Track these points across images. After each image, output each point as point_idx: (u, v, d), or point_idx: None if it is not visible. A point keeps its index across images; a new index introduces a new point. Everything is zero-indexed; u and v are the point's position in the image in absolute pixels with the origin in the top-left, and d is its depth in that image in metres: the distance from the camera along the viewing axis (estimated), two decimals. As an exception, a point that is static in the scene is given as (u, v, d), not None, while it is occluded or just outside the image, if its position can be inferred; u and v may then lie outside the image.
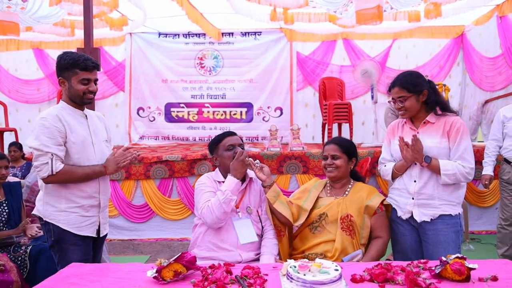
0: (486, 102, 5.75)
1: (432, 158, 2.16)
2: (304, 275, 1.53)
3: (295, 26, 6.41)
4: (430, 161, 2.16)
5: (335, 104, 5.74)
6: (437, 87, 2.34)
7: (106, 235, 2.43)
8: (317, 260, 1.67)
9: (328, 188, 2.44)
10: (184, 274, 1.68)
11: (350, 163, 2.41)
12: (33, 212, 2.27)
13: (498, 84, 5.40)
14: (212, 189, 2.36)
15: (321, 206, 2.34)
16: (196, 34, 6.82)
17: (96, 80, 2.27)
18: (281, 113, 6.70)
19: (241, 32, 6.80)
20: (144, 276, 1.68)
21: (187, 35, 6.84)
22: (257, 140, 6.60)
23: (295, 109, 6.69)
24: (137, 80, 6.86)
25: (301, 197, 2.43)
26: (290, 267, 1.59)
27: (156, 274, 1.66)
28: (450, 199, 2.20)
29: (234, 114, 6.77)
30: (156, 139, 6.83)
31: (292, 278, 1.55)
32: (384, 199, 2.37)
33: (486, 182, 3.50)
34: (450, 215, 2.19)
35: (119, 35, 6.73)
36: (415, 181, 2.24)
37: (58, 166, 2.10)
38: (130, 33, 6.80)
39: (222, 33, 6.78)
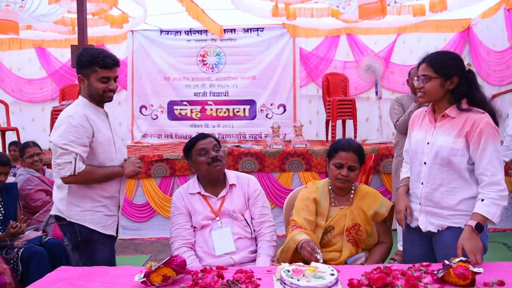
0: (494, 96, 5.61)
1: (477, 222, 1.75)
2: (298, 280, 1.46)
3: (298, 22, 6.32)
4: (481, 230, 1.77)
5: (338, 101, 5.65)
6: (474, 77, 1.91)
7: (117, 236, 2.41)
8: (313, 264, 1.59)
9: (332, 195, 2.19)
10: (173, 279, 1.61)
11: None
12: (52, 213, 2.24)
13: (506, 78, 5.26)
14: (182, 212, 2.28)
15: (328, 219, 2.13)
16: (198, 31, 6.75)
17: (116, 77, 2.20)
18: (284, 110, 6.61)
19: (243, 29, 6.72)
20: (132, 281, 1.61)
21: (189, 32, 6.77)
22: (260, 137, 6.52)
23: (298, 106, 6.59)
24: (139, 78, 6.81)
25: (309, 207, 2.14)
26: (284, 272, 1.52)
27: (144, 279, 1.59)
28: (463, 209, 1.86)
29: (237, 111, 6.70)
30: (159, 137, 6.79)
31: (285, 284, 1.47)
32: (393, 205, 2.19)
33: None
34: (460, 227, 1.83)
35: (120, 33, 6.67)
36: (422, 184, 1.95)
37: (81, 166, 2.07)
38: (132, 31, 6.75)
39: (224, 30, 6.70)
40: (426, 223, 1.96)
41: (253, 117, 6.65)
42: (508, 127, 3.53)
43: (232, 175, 2.39)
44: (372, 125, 6.21)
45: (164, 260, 1.62)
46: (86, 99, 2.20)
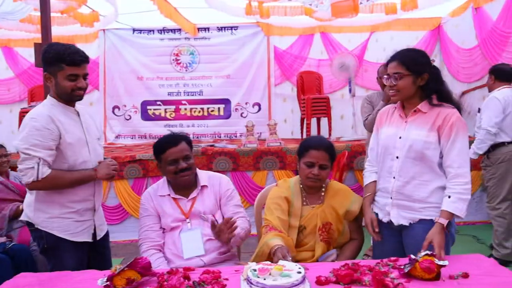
0: (464, 93, 5.74)
1: (440, 218, 1.81)
2: (264, 279, 1.44)
3: (272, 20, 6.30)
4: (450, 226, 1.85)
5: (313, 99, 5.67)
6: (441, 74, 1.97)
7: (107, 236, 2.34)
8: (280, 262, 1.57)
9: (304, 194, 2.17)
10: (138, 282, 1.57)
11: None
12: (21, 218, 2.14)
13: (474, 75, 5.37)
14: (150, 213, 2.23)
15: (300, 218, 2.10)
16: (171, 30, 6.65)
17: (85, 75, 2.06)
18: (259, 109, 6.59)
19: (217, 27, 6.65)
20: (95, 285, 1.56)
21: (162, 31, 6.67)
22: (236, 136, 6.47)
23: (273, 105, 6.58)
24: (112, 78, 6.66)
25: (282, 206, 2.10)
26: (250, 271, 1.49)
27: (108, 283, 1.54)
28: (434, 201, 1.89)
29: (212, 110, 6.64)
30: (132, 138, 6.66)
31: (251, 283, 1.45)
32: None
33: None
34: (432, 220, 1.86)
35: (91, 31, 6.51)
36: (394, 178, 1.97)
37: (45, 171, 1.95)
38: (103, 30, 6.59)
39: (198, 28, 6.62)
40: (397, 217, 1.97)
41: (228, 116, 6.60)
42: (482, 121, 3.58)
43: (203, 176, 2.34)
44: (346, 123, 6.26)
45: (128, 263, 1.58)
46: (55, 98, 2.08)
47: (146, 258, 1.62)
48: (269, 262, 1.57)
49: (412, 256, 1.58)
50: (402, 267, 1.59)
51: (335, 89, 6.46)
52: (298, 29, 6.60)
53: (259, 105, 6.59)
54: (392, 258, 1.73)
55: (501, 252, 3.58)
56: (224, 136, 6.55)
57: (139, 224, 2.29)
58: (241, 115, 6.58)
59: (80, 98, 2.10)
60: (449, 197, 1.82)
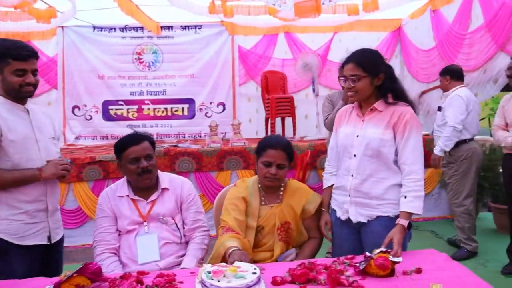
0: (423, 93, 5.91)
1: (401, 219, 1.83)
2: (218, 281, 1.40)
3: (236, 20, 6.26)
4: (411, 226, 1.90)
5: (277, 98, 5.69)
6: (394, 73, 2.01)
7: (62, 241, 2.23)
8: (236, 263, 1.55)
9: (262, 194, 2.15)
10: (88, 287, 1.50)
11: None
12: None
13: (432, 75, 5.53)
14: (107, 214, 2.16)
15: (259, 218, 2.08)
16: (133, 28, 6.49)
17: (35, 70, 1.97)
18: (224, 109, 6.55)
19: (181, 26, 6.56)
20: (41, 293, 1.48)
21: (124, 28, 6.51)
22: (200, 136, 6.41)
23: (238, 104, 6.56)
24: (71, 76, 6.44)
25: (239, 206, 2.07)
26: (204, 273, 1.46)
27: (54, 290, 1.47)
28: (390, 198, 1.92)
29: (176, 110, 6.54)
30: (93, 139, 6.47)
31: (205, 286, 1.41)
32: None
33: None
34: (388, 216, 1.91)
35: (49, 28, 6.24)
36: (352, 176, 1.98)
37: None
38: (62, 27, 6.36)
39: (161, 27, 6.50)
40: (356, 214, 1.99)
41: (192, 116, 6.53)
42: (447, 118, 3.66)
43: (165, 178, 2.28)
44: (311, 122, 6.30)
45: (78, 269, 1.51)
46: (2, 96, 1.97)
47: (97, 263, 1.55)
48: (224, 264, 1.54)
49: (367, 254, 1.59)
50: (357, 264, 1.60)
51: (300, 89, 6.50)
52: (263, 29, 6.60)
53: (223, 104, 6.55)
54: (349, 256, 1.74)
55: (472, 245, 3.73)
56: (189, 136, 6.47)
57: (94, 225, 2.21)
58: (206, 115, 6.52)
59: (29, 94, 2.00)
60: (405, 197, 1.85)
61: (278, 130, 5.74)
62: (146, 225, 2.15)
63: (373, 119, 1.96)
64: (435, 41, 5.51)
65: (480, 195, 4.27)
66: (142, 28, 6.41)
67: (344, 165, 2.03)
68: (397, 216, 1.88)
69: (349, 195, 2.00)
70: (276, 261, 2.02)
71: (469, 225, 3.73)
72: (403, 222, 1.82)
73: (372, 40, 6.68)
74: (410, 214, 1.85)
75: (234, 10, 5.90)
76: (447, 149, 3.69)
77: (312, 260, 1.71)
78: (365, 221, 1.97)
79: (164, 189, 2.23)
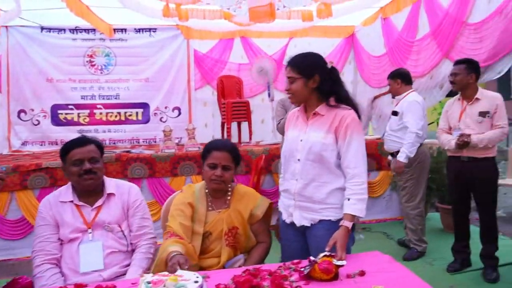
0: (375, 98, 6.08)
1: (344, 221, 1.84)
2: (158, 292, 1.35)
3: (192, 23, 6.19)
4: (354, 228, 1.90)
5: (233, 103, 5.67)
6: (338, 75, 1.99)
7: None
8: (178, 272, 1.50)
9: (209, 199, 2.12)
10: (16, 304, 1.40)
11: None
12: None
13: (383, 81, 5.69)
14: (48, 222, 2.05)
15: (206, 224, 2.05)
16: (84, 30, 6.28)
17: None
18: (179, 113, 6.45)
19: (135, 29, 6.42)
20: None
21: (75, 30, 6.28)
22: (155, 141, 6.27)
23: (193, 109, 6.48)
24: (17, 79, 6.11)
25: (185, 212, 2.03)
26: (144, 284, 1.40)
27: (-22, 309, 1.36)
28: (333, 202, 1.93)
29: (129, 115, 6.37)
30: (42, 144, 6.17)
31: (144, 297, 1.36)
32: (272, 203, 2.21)
33: None
34: (330, 220, 1.92)
35: (-9, 28, 5.94)
36: (296, 180, 1.99)
37: None
38: (6, 26, 6.05)
39: (114, 29, 6.32)
40: (300, 218, 1.99)
41: (146, 120, 6.39)
42: (408, 124, 3.69)
43: (111, 184, 2.19)
44: (267, 127, 6.32)
45: (6, 284, 1.41)
46: None
47: (27, 278, 1.45)
48: (166, 273, 1.49)
49: (312, 258, 1.59)
50: (302, 269, 1.59)
51: (256, 93, 6.52)
52: (218, 33, 6.57)
53: (179, 109, 6.46)
54: (295, 261, 1.74)
55: (423, 245, 3.84)
56: (143, 141, 6.33)
57: (34, 234, 2.09)
58: (161, 120, 6.39)
59: None
60: (349, 199, 1.86)
61: (234, 135, 5.72)
62: (90, 233, 2.05)
63: (315, 123, 1.97)
64: (385, 48, 5.70)
65: (428, 197, 4.42)
66: (94, 30, 6.20)
67: (290, 169, 2.04)
68: (339, 220, 1.89)
69: (294, 199, 2.00)
70: (224, 267, 1.98)
71: (421, 227, 3.86)
72: (347, 224, 1.83)
73: (326, 46, 6.83)
74: (354, 216, 1.86)
75: (189, 14, 5.82)
76: (412, 155, 3.70)
77: (257, 266, 1.69)
78: (309, 224, 1.97)
79: (110, 195, 2.15)
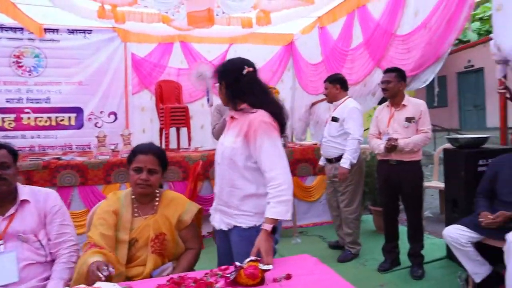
0: (313, 104, 6.24)
1: (272, 226, 1.78)
2: (71, 306, 1.27)
3: (129, 26, 6.03)
4: (276, 231, 1.82)
5: (171, 108, 5.57)
6: (253, 80, 1.95)
7: None
8: (96, 284, 1.42)
9: (135, 205, 2.03)
10: None
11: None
12: None
13: (319, 88, 5.87)
14: None
15: (132, 231, 1.96)
16: (11, 28, 5.88)
17: None
18: (116, 118, 6.22)
19: (68, 29, 6.10)
20: None
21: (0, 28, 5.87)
22: (89, 148, 5.97)
23: (131, 114, 6.27)
24: None
25: (107, 220, 1.93)
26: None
27: None
28: (245, 209, 1.90)
29: (61, 120, 6.03)
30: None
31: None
32: (201, 208, 2.17)
33: None
34: (241, 227, 1.90)
35: None
36: (216, 183, 2.01)
37: None
38: None
39: (45, 29, 5.99)
40: (219, 221, 2.01)
41: (80, 126, 6.08)
42: (350, 130, 3.75)
43: (25, 190, 2.04)
44: (207, 133, 6.23)
45: None
46: None
47: None
48: (83, 286, 1.40)
49: (237, 263, 1.57)
50: (228, 275, 1.57)
51: (195, 99, 6.46)
52: (157, 37, 6.44)
53: (115, 114, 6.23)
54: (223, 267, 1.71)
55: (357, 248, 3.96)
56: (76, 148, 6.02)
57: None
58: (96, 125, 6.12)
59: None
60: (269, 203, 1.83)
61: (173, 141, 5.61)
62: (1, 244, 1.90)
63: (232, 127, 1.98)
64: (322, 56, 5.87)
65: (362, 200, 4.58)
66: (21, 29, 5.83)
67: (216, 173, 2.07)
68: (251, 228, 1.87)
69: (216, 202, 2.03)
70: (152, 276, 1.91)
71: (357, 230, 3.98)
72: (267, 227, 1.77)
73: (266, 53, 6.93)
74: (276, 220, 1.80)
75: (125, 16, 5.64)
76: (355, 161, 3.77)
77: (183, 274, 1.64)
78: (226, 229, 1.97)
79: (24, 202, 2.00)
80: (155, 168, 2.00)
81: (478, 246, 2.84)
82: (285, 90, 6.93)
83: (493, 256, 2.83)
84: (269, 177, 1.83)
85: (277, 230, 1.84)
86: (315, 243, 4.39)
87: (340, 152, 3.83)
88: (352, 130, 3.75)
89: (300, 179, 5.02)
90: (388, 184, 3.55)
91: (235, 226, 1.93)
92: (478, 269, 2.84)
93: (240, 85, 1.92)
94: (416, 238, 3.52)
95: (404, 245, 3.61)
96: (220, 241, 2.05)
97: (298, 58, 6.78)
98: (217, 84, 2.00)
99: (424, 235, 3.62)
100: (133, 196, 2.05)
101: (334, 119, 3.90)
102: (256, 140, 1.83)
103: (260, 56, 6.89)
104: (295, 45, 6.96)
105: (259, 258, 1.62)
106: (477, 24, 12.47)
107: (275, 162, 1.83)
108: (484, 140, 3.61)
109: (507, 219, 2.70)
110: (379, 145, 3.52)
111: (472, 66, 13.90)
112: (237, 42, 6.77)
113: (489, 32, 3.54)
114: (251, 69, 1.93)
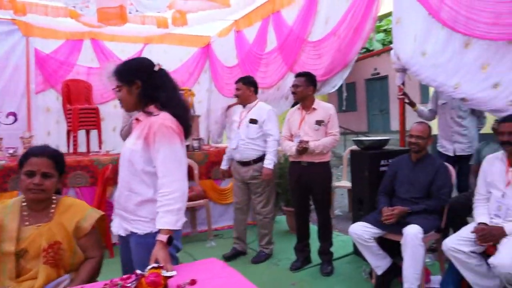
0: (229, 107, 6.26)
1: (159, 235, 1.71)
2: None
3: (32, 20, 5.57)
4: (172, 241, 1.74)
5: (80, 109, 5.24)
6: (165, 75, 1.89)
7: None
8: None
9: (26, 213, 1.86)
10: None
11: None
12: None
13: (234, 90, 5.92)
14: None
15: (20, 241, 1.79)
16: None
17: None
18: (16, 120, 5.68)
19: (-42, 20, 5.49)
20: None
21: None
22: (-16, 152, 5.41)
23: (34, 115, 5.78)
24: None
25: None
26: None
27: None
28: (142, 215, 1.82)
29: None
30: None
31: None
32: (104, 215, 2.03)
33: None
34: (137, 233, 1.82)
35: None
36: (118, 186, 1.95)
37: None
38: None
39: None
40: (118, 226, 1.93)
41: (-28, 128, 5.49)
42: (270, 132, 3.81)
43: None
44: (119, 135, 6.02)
45: None
46: None
47: None
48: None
49: (138, 272, 1.50)
50: (129, 285, 1.49)
51: (108, 100, 6.14)
52: (65, 33, 6.05)
53: (15, 115, 5.69)
54: (124, 276, 1.61)
55: (270, 248, 4.02)
56: (-32, 152, 5.40)
57: None
58: (-9, 127, 5.56)
59: None
60: (158, 213, 1.76)
61: (82, 144, 5.28)
62: None
63: (136, 129, 1.89)
64: (237, 59, 5.92)
65: (276, 200, 4.67)
66: None
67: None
68: (147, 234, 1.80)
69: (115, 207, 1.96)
70: (45, 291, 1.75)
71: (272, 230, 4.05)
72: (162, 237, 1.70)
73: (182, 54, 6.84)
74: (169, 230, 1.72)
75: (27, 8, 5.20)
76: (276, 161, 3.86)
77: (80, 286, 1.53)
78: (124, 234, 1.89)
79: None
80: (50, 172, 1.84)
81: (380, 241, 3.05)
82: (202, 92, 6.89)
83: (392, 249, 3.05)
84: (161, 183, 1.76)
85: (173, 239, 1.76)
86: (230, 246, 4.38)
87: (260, 153, 3.86)
88: (272, 131, 3.83)
89: (215, 181, 4.99)
90: (299, 184, 3.67)
91: (132, 232, 1.85)
92: (380, 262, 3.05)
93: (155, 81, 1.84)
94: (325, 236, 3.67)
95: (315, 243, 3.75)
96: (122, 248, 1.96)
97: (215, 60, 6.78)
98: (124, 86, 1.83)
99: (333, 233, 3.78)
100: (24, 203, 1.87)
101: (253, 121, 3.91)
102: (155, 143, 1.76)
103: (177, 57, 6.80)
104: (212, 48, 6.96)
105: (161, 265, 1.56)
106: (381, 35, 13.50)
107: (170, 168, 1.76)
108: (386, 142, 3.88)
109: (403, 213, 2.95)
110: (291, 147, 3.62)
111: (378, 73, 15.04)
112: (153, 42, 6.61)
113: (392, 43, 3.84)
114: (160, 65, 1.87)
